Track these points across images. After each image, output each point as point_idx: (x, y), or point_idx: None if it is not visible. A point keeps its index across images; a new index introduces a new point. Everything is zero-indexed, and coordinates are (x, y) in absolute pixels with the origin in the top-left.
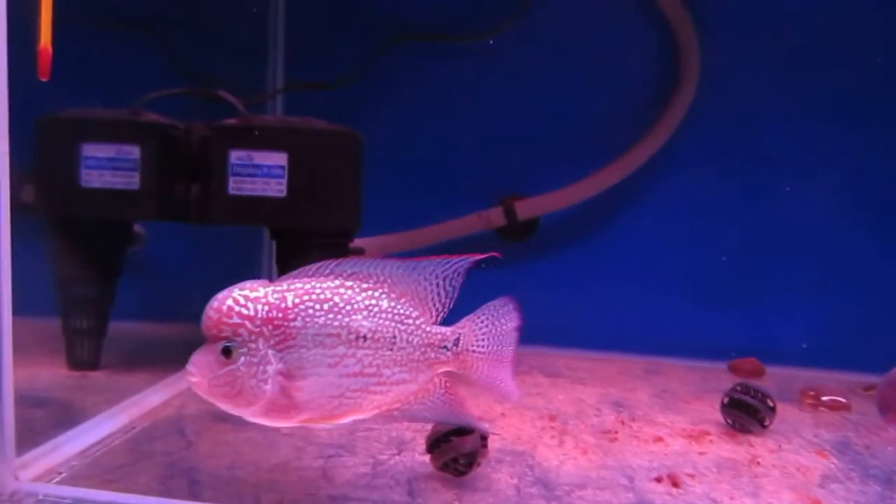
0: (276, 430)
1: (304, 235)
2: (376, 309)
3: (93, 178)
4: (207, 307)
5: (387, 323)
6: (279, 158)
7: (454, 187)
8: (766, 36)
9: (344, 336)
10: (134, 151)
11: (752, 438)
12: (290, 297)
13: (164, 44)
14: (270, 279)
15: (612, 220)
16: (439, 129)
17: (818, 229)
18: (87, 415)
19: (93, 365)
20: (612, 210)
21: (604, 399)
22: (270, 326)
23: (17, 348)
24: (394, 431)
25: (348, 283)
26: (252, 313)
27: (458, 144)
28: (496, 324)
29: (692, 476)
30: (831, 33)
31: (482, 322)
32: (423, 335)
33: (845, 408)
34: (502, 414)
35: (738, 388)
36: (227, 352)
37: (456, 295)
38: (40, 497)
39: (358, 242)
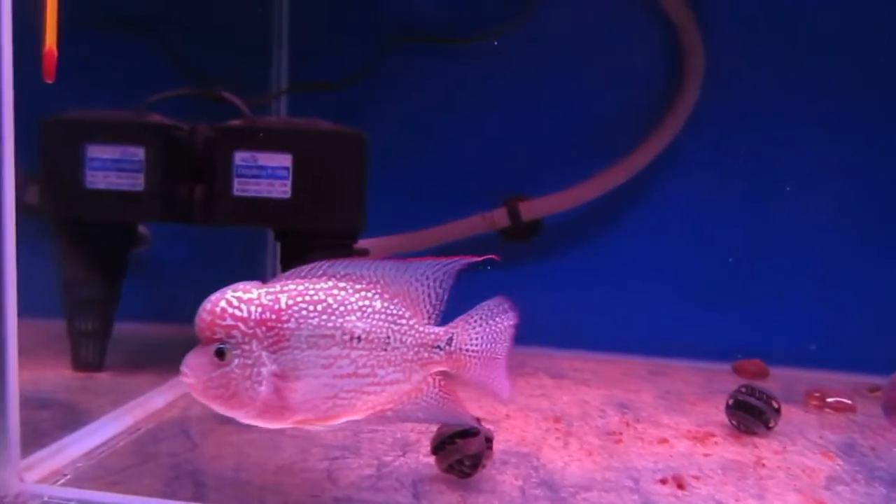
0: (281, 431)
1: (308, 236)
2: (370, 310)
3: (97, 180)
4: (200, 309)
5: (380, 323)
6: (283, 160)
7: (458, 188)
8: (770, 36)
9: (338, 337)
10: (139, 153)
11: (756, 440)
12: (283, 298)
13: (168, 45)
14: (265, 280)
15: (616, 221)
16: (443, 130)
17: (821, 230)
18: (92, 416)
19: (98, 366)
20: (617, 211)
21: (608, 400)
22: (264, 328)
23: (23, 350)
24: (398, 433)
25: (341, 284)
26: (245, 315)
27: (463, 145)
28: (490, 323)
29: (697, 478)
30: (836, 33)
31: (475, 322)
32: (417, 335)
33: (850, 409)
34: (507, 415)
35: (743, 390)
36: (220, 354)
37: (446, 296)
38: (45, 499)
39: (362, 243)
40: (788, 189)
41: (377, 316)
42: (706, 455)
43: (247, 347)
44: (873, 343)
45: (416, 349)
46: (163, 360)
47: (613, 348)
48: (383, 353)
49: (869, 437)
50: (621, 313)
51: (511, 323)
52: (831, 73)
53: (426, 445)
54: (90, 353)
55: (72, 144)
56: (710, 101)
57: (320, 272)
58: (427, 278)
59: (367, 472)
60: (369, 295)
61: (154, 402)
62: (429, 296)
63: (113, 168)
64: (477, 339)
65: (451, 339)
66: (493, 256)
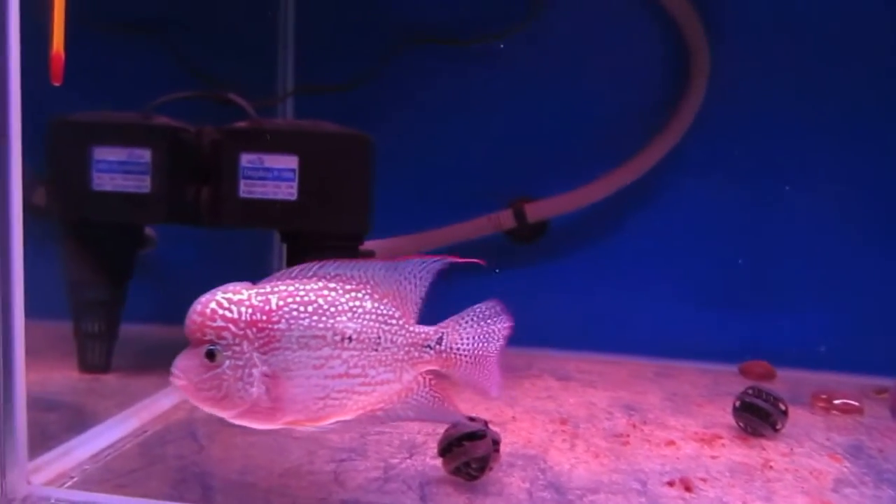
0: (288, 433)
1: (314, 238)
2: (360, 310)
3: (104, 182)
4: (190, 311)
5: (371, 324)
6: (290, 161)
7: (464, 190)
8: (777, 38)
9: (329, 338)
10: (145, 155)
11: (764, 442)
12: (273, 299)
13: (174, 47)
14: (254, 282)
15: (622, 222)
16: (449, 132)
17: (826, 232)
18: (98, 418)
19: (104, 368)
20: (623, 212)
21: (615, 402)
22: (254, 329)
23: (30, 351)
24: (405, 435)
25: (332, 285)
26: (236, 316)
27: (469, 147)
28: (481, 325)
29: (705, 480)
30: (843, 35)
31: (466, 323)
32: (407, 335)
33: (857, 411)
34: (513, 418)
35: (750, 392)
36: (211, 355)
37: (425, 293)
38: (52, 501)
39: (368, 245)
40: (795, 190)
41: (368, 316)
42: (713, 457)
43: (237, 349)
44: (880, 345)
45: (406, 349)
46: (169, 363)
47: (620, 350)
48: (374, 353)
49: (876, 439)
50: (627, 315)
51: (503, 325)
52: (838, 75)
53: (433, 448)
54: (97, 355)
55: (78, 146)
56: (716, 103)
57: (310, 273)
58: (415, 277)
59: (374, 474)
60: (359, 295)
61: (161, 404)
62: (418, 295)
63: (119, 170)
64: (467, 338)
65: (441, 338)
66: (479, 261)
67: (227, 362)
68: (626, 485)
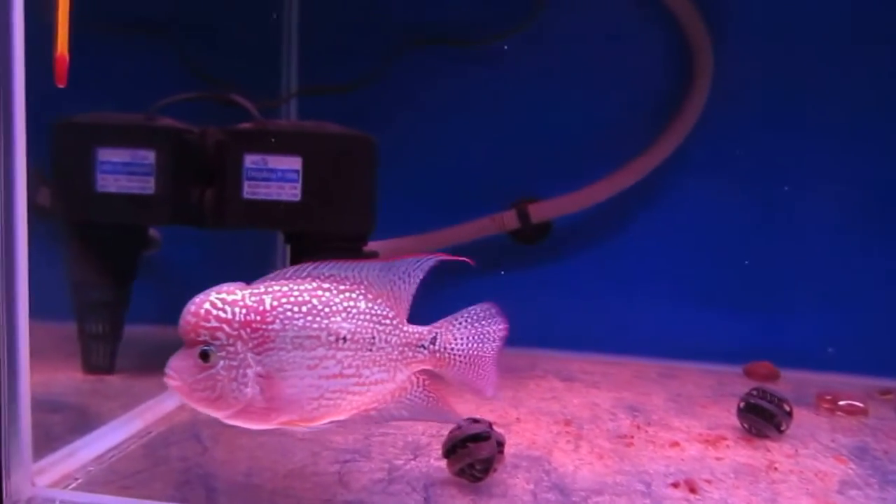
0: (292, 434)
1: (318, 239)
2: (354, 310)
3: (108, 183)
4: (184, 311)
5: (365, 324)
6: (294, 162)
7: (468, 190)
8: (780, 38)
9: (323, 338)
10: (149, 156)
11: (768, 443)
12: (267, 299)
13: (178, 49)
14: (248, 282)
15: (625, 222)
16: (453, 133)
17: (831, 232)
18: (102, 420)
19: (108, 369)
20: (626, 213)
21: (619, 403)
22: (248, 329)
23: (34, 353)
24: (409, 436)
25: (326, 285)
26: (230, 317)
27: (472, 147)
28: (475, 326)
29: (709, 482)
30: (846, 35)
31: (460, 323)
32: (401, 335)
33: (862, 412)
34: (517, 419)
35: (755, 393)
36: (205, 356)
37: (414, 291)
38: (57, 503)
39: (372, 245)
40: (799, 191)
41: (362, 316)
42: (718, 459)
43: (231, 349)
44: (885, 346)
45: (400, 349)
46: None
47: (623, 351)
48: (368, 353)
49: (881, 441)
50: (631, 315)
51: (498, 327)
52: (842, 76)
53: (437, 449)
54: (101, 357)
55: (82, 147)
56: (720, 103)
57: (305, 273)
58: (409, 276)
59: (378, 475)
60: (353, 295)
61: (165, 405)
62: (411, 294)
63: (123, 171)
64: (461, 339)
65: (434, 338)
66: (468, 260)
67: (222, 363)
68: (630, 486)
